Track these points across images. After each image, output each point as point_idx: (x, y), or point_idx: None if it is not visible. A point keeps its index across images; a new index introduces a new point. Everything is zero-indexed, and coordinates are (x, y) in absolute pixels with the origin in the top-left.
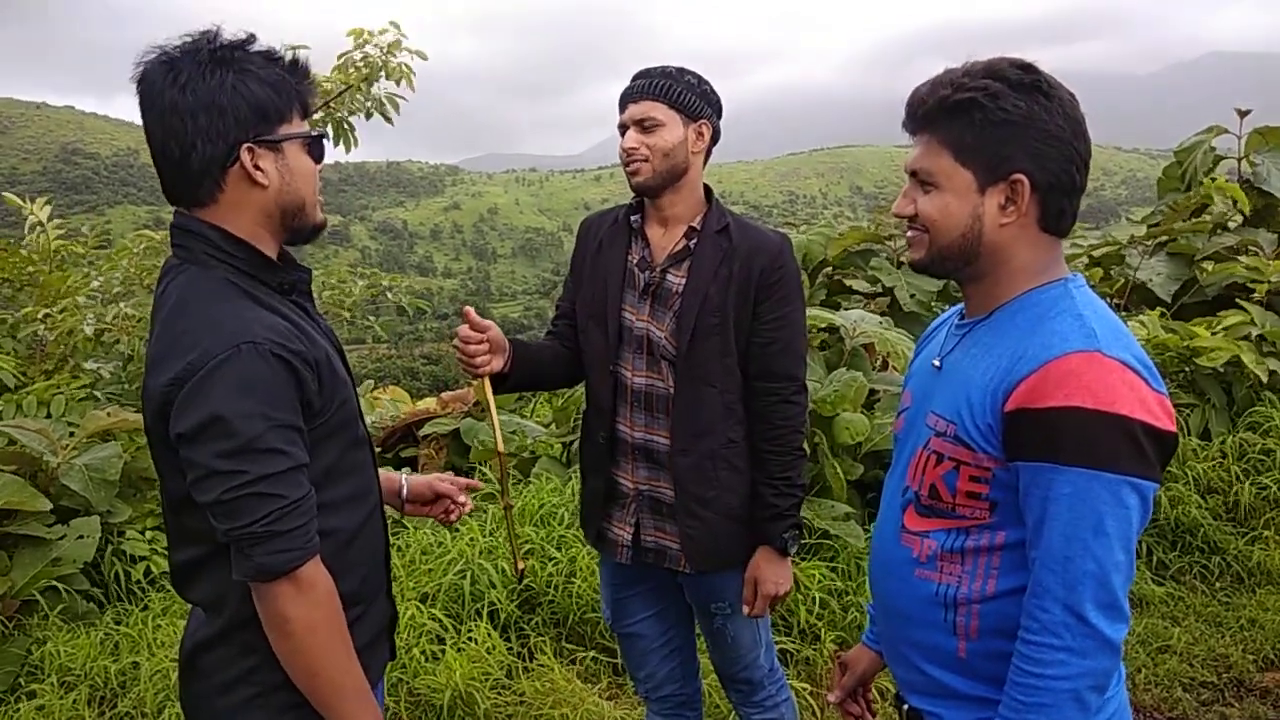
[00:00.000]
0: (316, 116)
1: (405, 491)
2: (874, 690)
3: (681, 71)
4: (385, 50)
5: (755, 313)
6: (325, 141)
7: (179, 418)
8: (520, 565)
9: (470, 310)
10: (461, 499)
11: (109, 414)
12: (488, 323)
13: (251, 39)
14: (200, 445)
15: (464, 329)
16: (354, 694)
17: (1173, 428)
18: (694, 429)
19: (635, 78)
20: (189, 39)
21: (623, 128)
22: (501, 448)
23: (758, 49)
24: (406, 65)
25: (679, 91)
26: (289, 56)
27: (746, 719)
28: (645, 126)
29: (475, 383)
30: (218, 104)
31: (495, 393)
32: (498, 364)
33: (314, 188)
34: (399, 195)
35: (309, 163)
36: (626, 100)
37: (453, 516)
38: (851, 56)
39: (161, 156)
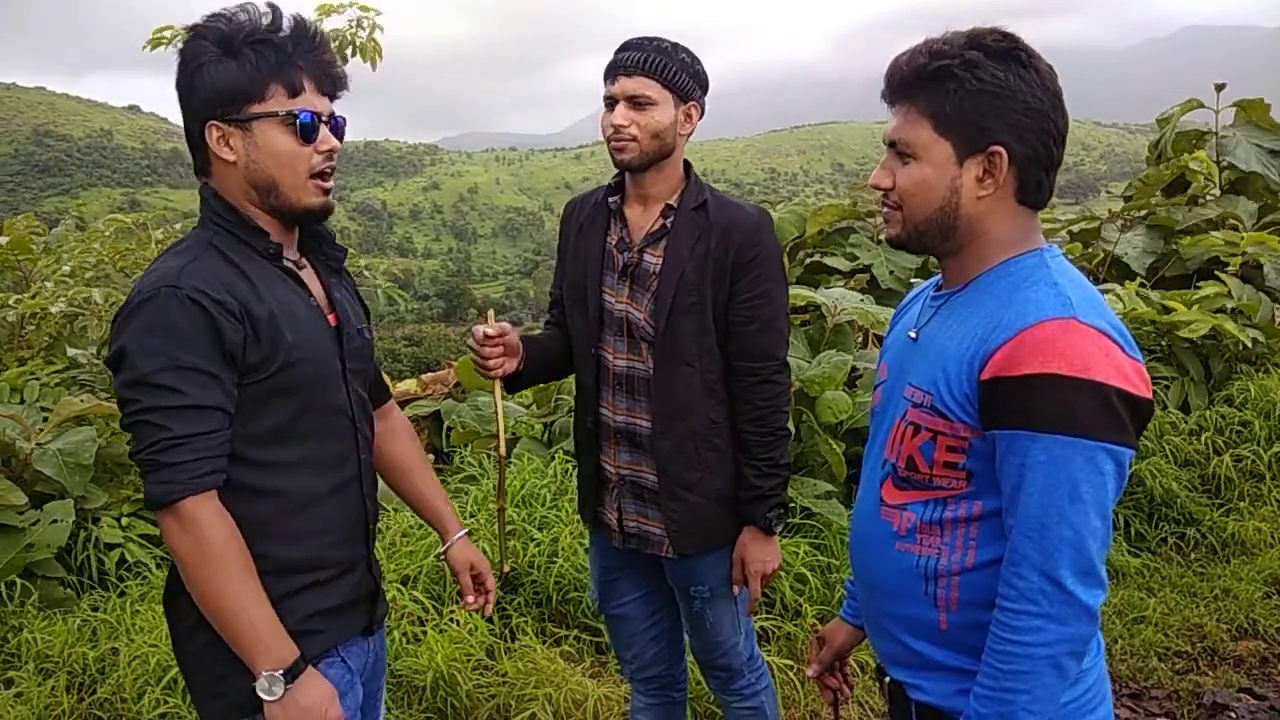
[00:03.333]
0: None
1: (444, 548)
2: (852, 664)
3: (676, 48)
4: (354, 25)
5: (733, 291)
6: (336, 121)
7: (109, 349)
8: (505, 569)
9: (490, 313)
10: (469, 598)
11: (82, 399)
12: (505, 326)
13: (236, 16)
14: (115, 375)
15: (479, 329)
16: (251, 628)
17: (1148, 394)
18: (672, 410)
19: (627, 48)
20: (204, 17)
21: (610, 100)
22: (503, 450)
23: (738, 24)
24: (374, 41)
25: (674, 70)
26: (285, 33)
27: (726, 706)
28: (637, 103)
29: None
30: (190, 84)
31: (508, 392)
32: (511, 366)
33: (292, 168)
34: (377, 175)
35: (286, 142)
36: (617, 72)
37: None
38: (833, 33)
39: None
